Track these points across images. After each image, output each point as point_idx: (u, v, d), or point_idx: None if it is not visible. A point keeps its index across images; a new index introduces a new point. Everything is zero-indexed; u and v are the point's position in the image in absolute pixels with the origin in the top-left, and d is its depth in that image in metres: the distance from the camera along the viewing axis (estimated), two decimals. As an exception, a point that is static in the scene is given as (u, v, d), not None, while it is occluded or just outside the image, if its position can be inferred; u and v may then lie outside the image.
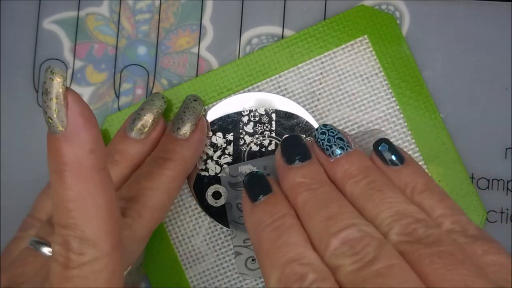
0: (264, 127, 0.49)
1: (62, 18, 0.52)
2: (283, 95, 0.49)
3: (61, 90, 0.32)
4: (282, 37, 0.51)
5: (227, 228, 0.49)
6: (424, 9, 0.51)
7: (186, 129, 0.46)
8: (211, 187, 0.49)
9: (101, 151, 0.34)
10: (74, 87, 0.51)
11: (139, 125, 0.46)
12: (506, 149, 0.50)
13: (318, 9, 0.51)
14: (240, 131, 0.49)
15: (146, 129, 0.46)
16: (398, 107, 0.49)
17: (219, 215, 0.49)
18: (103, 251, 0.34)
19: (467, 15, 0.51)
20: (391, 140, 0.49)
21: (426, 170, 0.49)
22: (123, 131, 0.47)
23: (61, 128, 0.32)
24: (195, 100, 0.48)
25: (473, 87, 0.50)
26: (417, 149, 0.49)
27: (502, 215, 0.50)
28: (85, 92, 0.51)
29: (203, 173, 0.49)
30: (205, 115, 0.49)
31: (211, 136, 0.49)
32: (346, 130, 0.49)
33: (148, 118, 0.46)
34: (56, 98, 0.32)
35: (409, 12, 0.51)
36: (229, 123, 0.49)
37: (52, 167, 0.33)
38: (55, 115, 0.32)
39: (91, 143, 0.33)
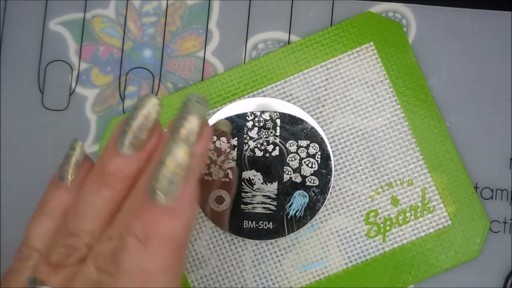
0: (269, 133, 0.49)
1: (68, 20, 0.52)
2: (288, 101, 0.50)
3: (186, 161, 0.31)
4: (289, 42, 0.51)
5: (229, 233, 0.49)
6: (431, 17, 0.51)
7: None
8: (214, 191, 0.49)
9: (194, 226, 0.33)
10: (79, 89, 0.51)
11: (130, 138, 0.37)
12: (511, 159, 0.50)
13: (325, 15, 0.51)
14: (245, 136, 0.49)
15: (140, 141, 0.37)
16: (403, 114, 0.49)
17: (222, 220, 0.49)
18: None
19: (473, 24, 0.51)
20: (395, 148, 0.49)
21: (430, 178, 0.49)
22: (113, 144, 0.37)
23: (167, 202, 0.31)
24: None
25: (478, 96, 0.50)
26: (421, 157, 0.49)
27: (505, 225, 0.50)
28: (90, 94, 0.51)
29: (206, 178, 0.49)
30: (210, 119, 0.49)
31: (215, 141, 0.49)
32: (350, 137, 0.49)
33: None
34: (177, 170, 0.31)
35: (415, 20, 0.51)
36: (234, 128, 0.49)
37: (137, 233, 0.32)
38: (167, 187, 0.31)
39: (192, 220, 0.32)
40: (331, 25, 0.51)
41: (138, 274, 0.32)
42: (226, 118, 0.49)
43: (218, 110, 0.50)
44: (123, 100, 0.51)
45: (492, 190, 0.50)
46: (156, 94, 0.51)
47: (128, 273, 0.32)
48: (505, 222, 0.50)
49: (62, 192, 0.40)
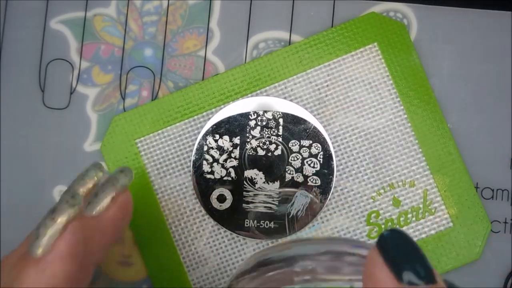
0: (271, 132, 0.50)
1: (69, 18, 0.53)
2: (291, 100, 0.50)
3: (67, 218, 0.33)
4: (289, 42, 0.52)
5: (231, 232, 0.50)
6: (432, 17, 0.52)
7: (98, 206, 0.38)
8: (216, 190, 0.50)
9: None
10: (80, 87, 0.52)
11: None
12: (511, 159, 0.51)
13: (326, 15, 0.52)
14: (247, 135, 0.50)
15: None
16: (405, 115, 0.50)
17: (223, 218, 0.50)
18: None
19: (475, 24, 0.51)
20: (397, 149, 0.50)
21: (432, 180, 0.50)
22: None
23: (39, 252, 0.33)
24: (121, 172, 0.41)
25: (479, 96, 0.51)
26: (424, 158, 0.50)
27: (506, 226, 0.50)
28: (91, 93, 0.52)
29: (208, 176, 0.50)
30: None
31: (218, 139, 0.50)
32: (353, 137, 0.50)
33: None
34: (57, 222, 0.33)
35: (417, 20, 0.52)
36: (236, 126, 0.50)
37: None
38: (45, 237, 0.33)
39: (59, 278, 0.33)
40: (332, 24, 0.52)
41: None
42: (229, 117, 0.50)
43: (221, 108, 0.50)
44: (124, 99, 0.52)
45: (493, 190, 0.50)
46: (157, 93, 0.52)
47: None
48: (505, 222, 0.50)
49: None
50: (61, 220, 0.34)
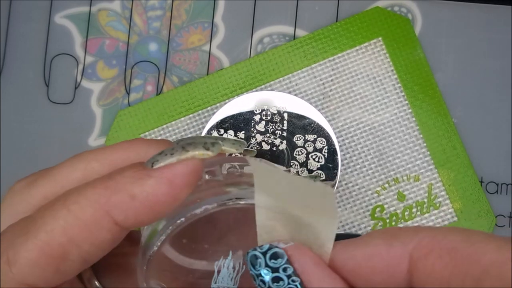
0: (276, 126, 0.50)
1: (74, 13, 0.53)
2: (295, 95, 0.50)
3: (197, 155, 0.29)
4: (294, 36, 0.52)
5: (236, 227, 0.50)
6: (437, 11, 0.52)
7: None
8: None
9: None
10: (85, 82, 0.52)
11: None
12: (516, 154, 0.51)
13: (330, 10, 0.52)
14: (252, 129, 0.50)
15: None
16: (410, 110, 0.50)
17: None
18: None
19: (479, 18, 0.52)
20: (402, 143, 0.50)
21: (437, 174, 0.50)
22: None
23: (157, 165, 0.28)
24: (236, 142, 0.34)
25: (483, 91, 0.51)
26: (428, 152, 0.50)
27: (510, 220, 0.50)
28: (96, 88, 0.52)
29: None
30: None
31: (223, 134, 0.50)
32: (357, 131, 0.50)
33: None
34: (187, 152, 0.28)
35: (421, 14, 0.52)
36: (241, 121, 0.50)
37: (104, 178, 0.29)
38: (168, 157, 0.28)
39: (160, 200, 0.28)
40: (336, 19, 0.52)
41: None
42: (234, 112, 0.50)
43: (225, 103, 0.50)
44: (128, 93, 0.52)
45: (497, 185, 0.51)
46: (162, 88, 0.52)
47: None
48: (510, 217, 0.51)
49: None
50: (191, 154, 0.29)
